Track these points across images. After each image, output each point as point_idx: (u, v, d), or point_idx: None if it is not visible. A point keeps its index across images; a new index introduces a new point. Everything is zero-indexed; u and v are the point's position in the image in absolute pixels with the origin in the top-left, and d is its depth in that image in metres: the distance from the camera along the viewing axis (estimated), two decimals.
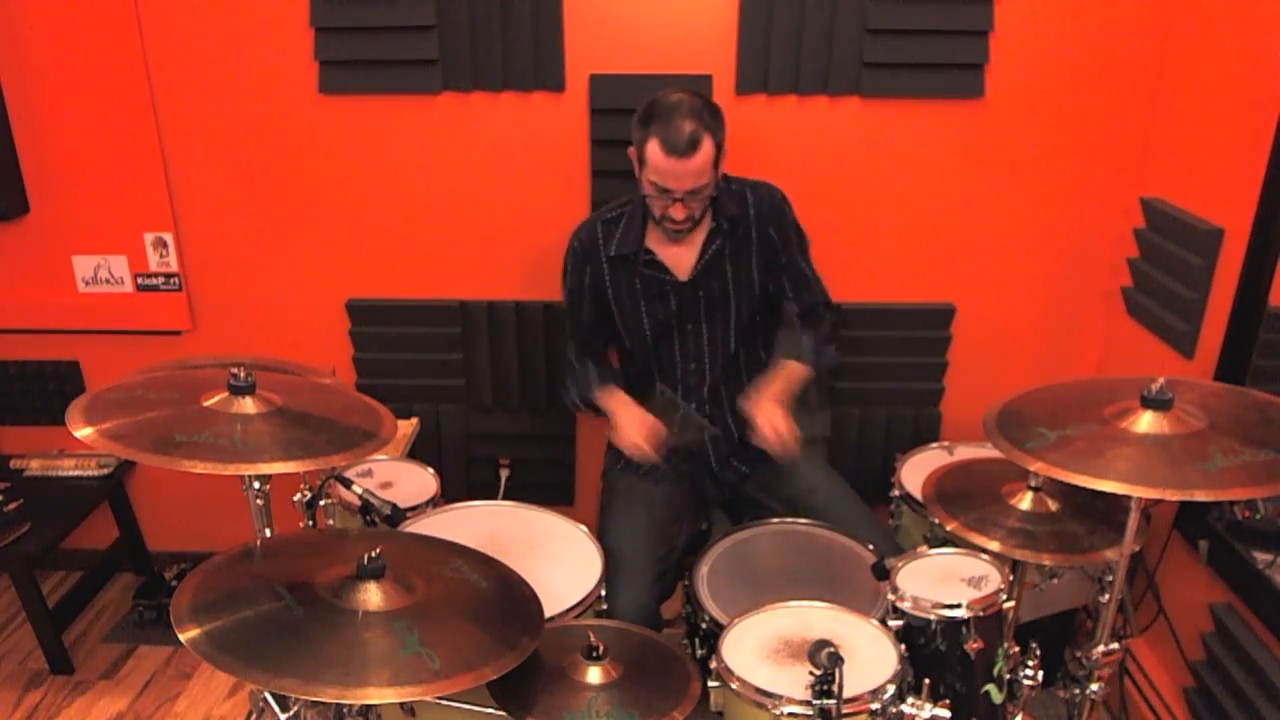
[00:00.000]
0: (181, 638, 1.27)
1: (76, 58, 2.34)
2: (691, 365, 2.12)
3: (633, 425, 1.99)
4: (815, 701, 1.36)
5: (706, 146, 1.82)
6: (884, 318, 2.49)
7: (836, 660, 1.35)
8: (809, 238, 2.13)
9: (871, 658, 1.54)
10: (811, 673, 1.37)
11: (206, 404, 1.55)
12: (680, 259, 2.03)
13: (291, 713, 1.40)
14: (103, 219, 2.49)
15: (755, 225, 2.02)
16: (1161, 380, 1.55)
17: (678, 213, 1.89)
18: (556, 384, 2.35)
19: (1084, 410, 1.62)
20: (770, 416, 1.93)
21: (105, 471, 2.65)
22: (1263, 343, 1.86)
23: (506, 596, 1.53)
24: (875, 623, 1.62)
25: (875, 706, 1.47)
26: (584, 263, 2.08)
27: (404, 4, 2.24)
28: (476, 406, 2.65)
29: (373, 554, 1.40)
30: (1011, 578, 1.77)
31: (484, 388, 2.61)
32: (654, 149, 1.82)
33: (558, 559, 1.88)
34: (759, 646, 1.58)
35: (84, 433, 1.43)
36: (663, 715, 1.46)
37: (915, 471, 2.20)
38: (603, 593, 1.82)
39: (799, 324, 2.11)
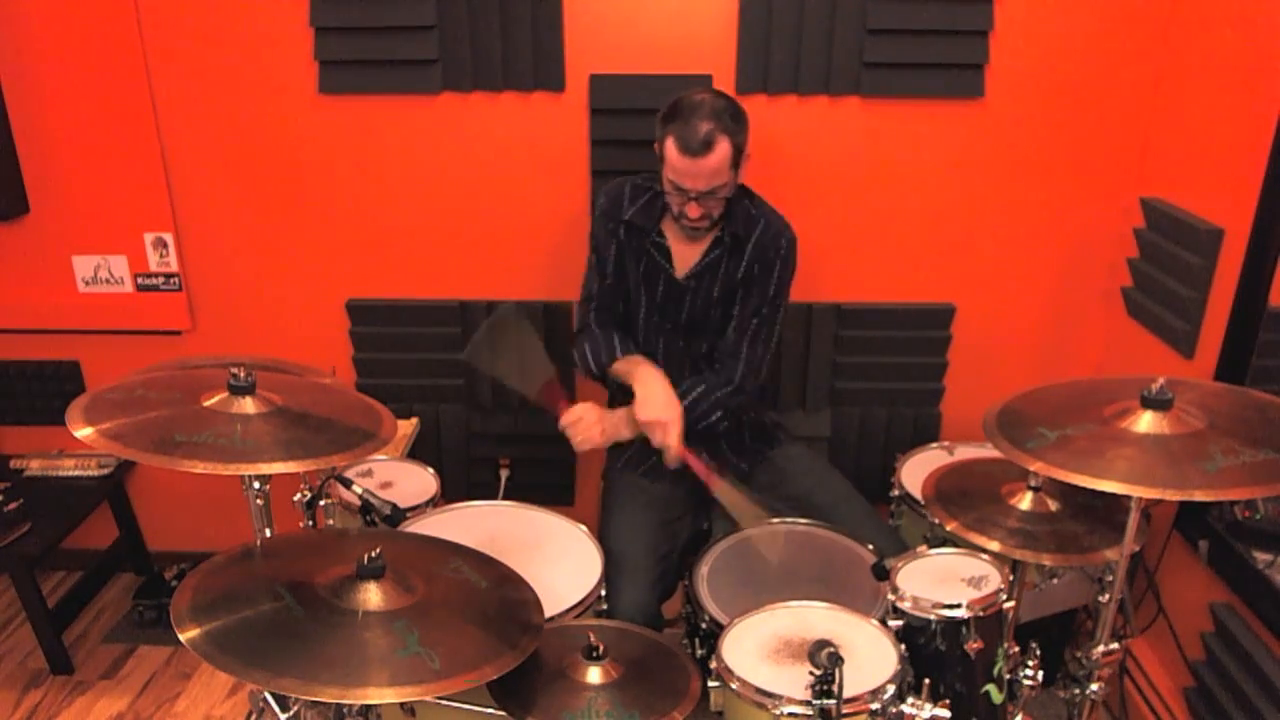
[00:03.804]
0: (181, 638, 1.27)
1: (76, 58, 2.34)
2: (674, 363, 2.10)
3: (660, 401, 1.93)
4: (815, 701, 1.36)
5: (722, 148, 1.81)
6: (884, 318, 2.49)
7: (836, 660, 1.35)
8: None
9: (871, 658, 1.54)
10: (811, 673, 1.37)
11: (206, 404, 1.54)
12: (683, 256, 2.03)
13: (291, 713, 1.40)
14: (103, 219, 2.49)
15: (752, 248, 2.00)
16: (1161, 380, 1.55)
17: (693, 211, 1.89)
18: (572, 349, 2.21)
19: (1084, 410, 1.62)
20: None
21: (105, 471, 2.65)
22: (1263, 343, 1.86)
23: (506, 596, 1.53)
24: (875, 623, 1.61)
25: (875, 706, 1.47)
26: (607, 218, 2.05)
27: (404, 4, 2.24)
28: (476, 406, 2.64)
29: (373, 554, 1.40)
30: (1011, 578, 1.77)
31: (484, 388, 2.60)
32: (671, 147, 1.83)
33: (558, 559, 1.88)
34: (759, 646, 1.57)
35: (84, 433, 1.43)
36: (663, 715, 1.46)
37: (915, 471, 2.20)
38: (603, 593, 1.82)
39: (710, 371, 2.06)
